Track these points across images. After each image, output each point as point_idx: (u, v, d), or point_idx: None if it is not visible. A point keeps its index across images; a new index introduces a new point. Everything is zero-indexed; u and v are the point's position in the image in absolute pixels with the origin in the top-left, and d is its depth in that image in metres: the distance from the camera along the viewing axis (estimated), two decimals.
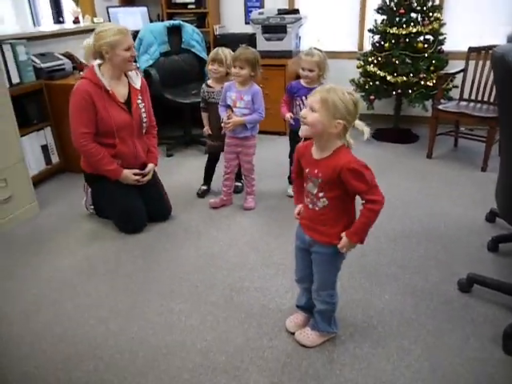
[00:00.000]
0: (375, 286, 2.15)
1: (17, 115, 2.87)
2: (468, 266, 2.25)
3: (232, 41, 4.21)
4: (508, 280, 2.05)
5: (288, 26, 4.18)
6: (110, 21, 4.65)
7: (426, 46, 3.81)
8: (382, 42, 3.92)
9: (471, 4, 4.17)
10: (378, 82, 3.91)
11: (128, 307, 2.07)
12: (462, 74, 3.74)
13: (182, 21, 4.38)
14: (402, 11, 3.78)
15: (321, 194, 1.57)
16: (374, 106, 4.05)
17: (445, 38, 3.92)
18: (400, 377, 1.64)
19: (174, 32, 4.24)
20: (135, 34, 4.19)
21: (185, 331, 1.90)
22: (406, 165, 3.63)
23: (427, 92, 3.79)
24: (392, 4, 3.86)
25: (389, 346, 1.79)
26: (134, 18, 4.78)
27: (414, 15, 3.84)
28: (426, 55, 3.79)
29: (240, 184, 3.21)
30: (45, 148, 3.50)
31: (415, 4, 3.79)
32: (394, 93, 3.89)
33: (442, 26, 3.89)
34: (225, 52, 2.91)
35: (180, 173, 3.60)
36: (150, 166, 2.79)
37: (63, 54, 3.76)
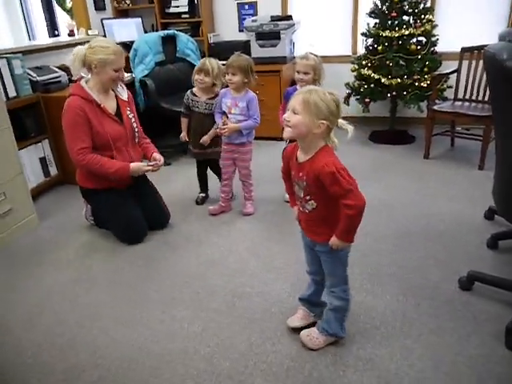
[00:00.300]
0: (376, 287, 2.15)
1: (14, 128, 2.88)
2: (468, 263, 2.26)
3: (226, 48, 4.25)
4: (508, 277, 2.05)
5: (281, 32, 4.22)
6: (104, 33, 4.69)
7: (419, 47, 3.84)
8: (376, 45, 3.95)
9: (462, 5, 4.21)
10: (372, 85, 3.93)
11: (130, 316, 2.07)
12: (455, 74, 3.77)
13: (177, 30, 4.42)
14: (394, 14, 3.82)
15: (308, 197, 1.58)
16: (369, 109, 4.07)
17: (437, 40, 3.96)
18: (404, 376, 1.64)
19: (169, 41, 4.28)
20: (130, 44, 4.23)
21: (187, 338, 1.90)
22: (404, 166, 3.64)
23: (422, 93, 3.82)
24: (384, 7, 3.89)
25: (392, 346, 1.79)
26: (128, 30, 4.82)
27: (406, 18, 3.87)
28: (420, 57, 3.82)
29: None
30: (43, 160, 3.51)
31: (407, 7, 3.83)
32: (389, 95, 3.91)
33: (434, 27, 3.92)
34: (212, 63, 2.88)
35: (178, 181, 3.61)
36: (155, 154, 2.77)
37: (59, 67, 3.79)
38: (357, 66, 4.08)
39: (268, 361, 1.76)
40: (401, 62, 3.82)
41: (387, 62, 3.82)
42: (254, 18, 4.46)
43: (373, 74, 3.89)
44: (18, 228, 2.87)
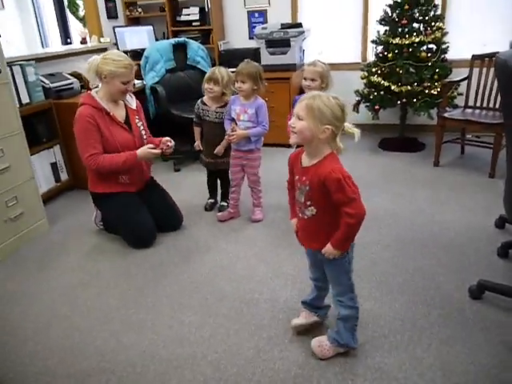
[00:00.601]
0: (385, 295, 2.14)
1: (27, 134, 2.92)
2: (478, 272, 2.23)
3: (236, 56, 4.27)
4: None
5: (291, 39, 4.24)
6: (116, 40, 4.75)
7: (429, 55, 3.84)
8: (386, 53, 3.95)
9: (473, 13, 4.20)
10: (382, 92, 3.92)
11: (139, 320, 2.08)
12: (466, 81, 3.75)
13: (187, 38, 4.46)
14: (404, 22, 3.82)
15: (308, 203, 1.58)
16: (379, 116, 4.07)
17: (448, 47, 3.94)
18: None
19: (180, 49, 4.32)
20: (141, 52, 4.28)
21: (195, 344, 1.90)
22: (413, 173, 3.62)
23: (432, 100, 3.80)
24: (394, 15, 3.89)
25: (401, 355, 1.77)
26: (140, 37, 4.87)
27: (416, 25, 3.87)
28: (430, 64, 3.81)
29: (225, 204, 3.14)
30: (54, 166, 3.55)
31: (417, 14, 3.83)
32: (399, 102, 3.90)
33: (444, 35, 3.91)
34: (222, 72, 2.89)
35: (187, 187, 3.63)
36: (164, 138, 2.76)
37: (71, 74, 3.84)
38: (366, 74, 4.08)
39: (275, 368, 1.75)
40: (411, 70, 3.81)
41: (397, 70, 3.82)
42: (264, 25, 4.49)
43: (383, 82, 3.89)
44: (28, 232, 2.90)
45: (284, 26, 4.34)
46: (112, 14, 5.16)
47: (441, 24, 3.89)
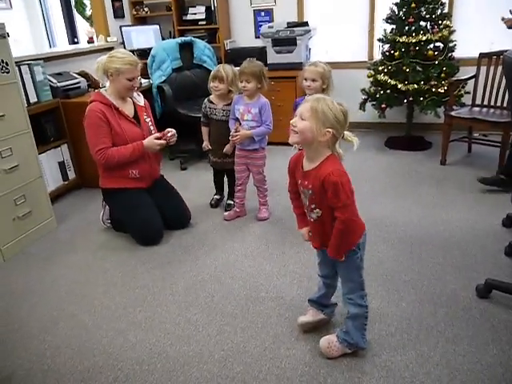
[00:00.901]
0: (392, 294, 2.13)
1: (35, 133, 2.94)
2: (486, 271, 2.23)
3: (242, 55, 4.26)
4: None
5: (298, 38, 4.23)
6: (123, 40, 4.76)
7: (436, 53, 3.82)
8: (392, 51, 3.94)
9: (480, 11, 4.18)
10: (389, 91, 3.91)
11: (146, 318, 2.09)
12: (473, 79, 3.73)
13: (194, 37, 4.47)
14: (411, 20, 3.80)
15: (313, 206, 1.60)
16: (385, 115, 4.06)
17: (455, 45, 3.93)
18: None
19: (186, 48, 4.33)
20: (148, 51, 4.29)
21: (202, 341, 1.91)
22: (420, 172, 3.61)
23: (439, 99, 3.79)
24: (401, 13, 3.88)
25: (407, 353, 1.77)
26: (146, 36, 4.89)
27: (423, 23, 3.85)
28: (437, 62, 3.79)
29: (231, 202, 3.15)
30: (62, 164, 3.58)
31: (424, 12, 3.81)
32: (406, 101, 3.89)
33: (451, 33, 3.89)
34: (226, 69, 2.90)
35: (194, 186, 3.64)
36: (166, 129, 2.79)
37: (78, 73, 3.86)
38: (373, 72, 4.07)
39: (282, 366, 1.75)
40: (418, 68, 3.80)
41: (404, 68, 3.81)
42: (270, 24, 4.49)
43: (389, 80, 3.87)
44: (36, 230, 2.93)
45: (290, 25, 4.34)
46: (119, 14, 5.18)
47: (448, 22, 3.87)
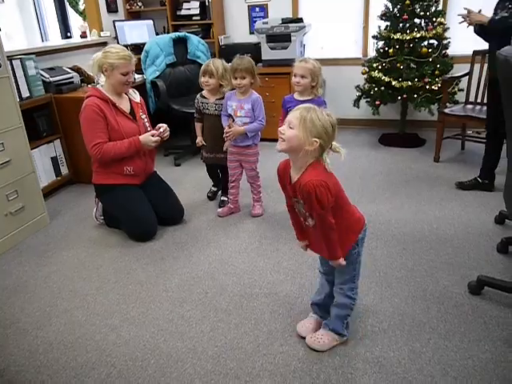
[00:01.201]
0: (385, 290, 2.15)
1: (27, 128, 2.91)
2: (478, 268, 2.25)
3: (237, 51, 4.24)
4: None
5: (292, 34, 4.22)
6: (116, 34, 4.73)
7: (430, 50, 3.83)
8: (387, 48, 3.94)
9: (474, 8, 4.17)
10: (383, 88, 3.92)
11: (139, 315, 2.08)
12: (467, 77, 3.75)
13: (188, 32, 4.45)
14: (405, 17, 3.81)
15: (307, 214, 1.62)
16: (379, 112, 4.06)
17: (449, 42, 3.94)
18: (412, 380, 1.63)
19: (180, 43, 4.31)
20: (141, 46, 4.27)
21: (196, 338, 1.91)
22: (414, 169, 3.62)
23: (433, 96, 3.80)
24: (395, 10, 3.89)
25: (400, 349, 1.78)
26: (140, 31, 4.86)
27: (417, 21, 3.87)
28: (431, 60, 3.81)
29: (225, 199, 3.14)
30: (54, 160, 3.55)
31: (418, 9, 3.82)
32: (400, 98, 3.90)
33: (445, 30, 3.90)
34: (216, 64, 2.89)
35: (188, 182, 3.63)
36: (159, 125, 2.80)
37: (71, 68, 3.83)
38: (367, 69, 4.08)
39: (275, 362, 1.76)
40: (412, 65, 3.81)
41: (398, 65, 3.82)
42: (264, 20, 4.47)
43: (383, 77, 3.88)
44: (28, 226, 2.91)
45: (285, 21, 4.32)
46: (112, 8, 5.14)
47: (442, 19, 3.87)
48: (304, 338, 1.85)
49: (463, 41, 4.11)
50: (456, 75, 3.77)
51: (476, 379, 1.62)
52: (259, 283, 2.26)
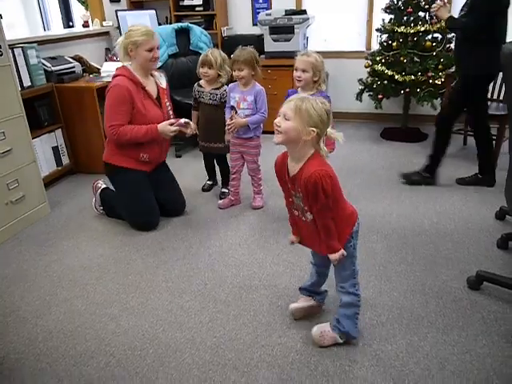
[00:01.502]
0: (384, 284, 2.15)
1: (28, 118, 2.91)
2: (477, 263, 2.25)
3: (239, 42, 4.22)
4: None
5: (295, 26, 4.20)
6: (118, 24, 4.70)
7: (434, 44, 3.81)
8: (390, 41, 3.92)
9: None
10: (386, 81, 3.90)
11: (138, 304, 2.09)
12: None
13: (190, 23, 4.42)
14: (409, 10, 3.79)
15: (306, 208, 1.61)
16: (382, 105, 4.04)
17: (453, 37, 3.90)
18: (409, 373, 1.64)
19: (182, 34, 4.29)
20: None
21: (194, 328, 1.92)
22: (415, 164, 3.60)
23: (436, 90, 3.78)
24: (400, 3, 3.86)
25: (398, 343, 1.79)
26: (142, 21, 4.78)
27: (421, 14, 3.84)
28: (435, 54, 3.79)
29: (226, 190, 3.14)
30: (56, 150, 3.55)
31: (423, 3, 3.79)
32: (403, 92, 3.88)
33: None
34: (214, 54, 2.88)
35: (188, 173, 3.63)
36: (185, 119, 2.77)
37: (73, 57, 3.82)
38: (370, 62, 4.05)
39: (273, 353, 1.77)
40: (415, 59, 3.79)
41: (401, 59, 3.79)
42: (267, 11, 4.44)
43: (386, 71, 3.86)
44: (29, 215, 2.91)
45: (288, 13, 4.30)
46: None
47: None
48: (297, 320, 1.89)
49: None
50: None
51: (473, 373, 1.63)
52: (259, 275, 2.27)
